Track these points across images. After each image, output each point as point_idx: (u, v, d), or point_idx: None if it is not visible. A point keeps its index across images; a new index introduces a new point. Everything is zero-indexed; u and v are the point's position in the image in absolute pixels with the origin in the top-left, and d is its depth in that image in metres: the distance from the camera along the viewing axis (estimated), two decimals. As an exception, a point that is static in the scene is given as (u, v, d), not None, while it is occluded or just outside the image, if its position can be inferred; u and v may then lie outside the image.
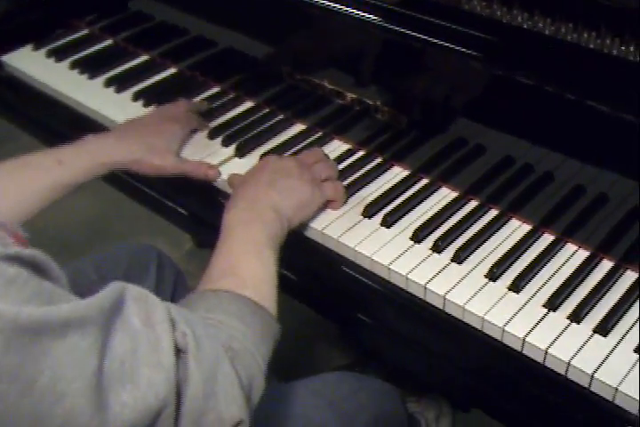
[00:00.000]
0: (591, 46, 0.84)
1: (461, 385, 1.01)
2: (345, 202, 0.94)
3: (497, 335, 0.78)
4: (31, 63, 1.28)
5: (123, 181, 1.09)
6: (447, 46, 0.88)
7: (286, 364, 1.60)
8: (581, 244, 0.86)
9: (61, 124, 1.22)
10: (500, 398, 0.88)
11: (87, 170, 0.93)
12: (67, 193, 0.93)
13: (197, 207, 1.10)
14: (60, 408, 0.47)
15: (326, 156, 0.98)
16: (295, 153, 1.02)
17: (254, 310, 0.70)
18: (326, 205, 0.92)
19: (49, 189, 0.90)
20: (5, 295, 0.47)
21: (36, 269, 0.51)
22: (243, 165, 0.99)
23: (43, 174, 0.90)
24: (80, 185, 0.94)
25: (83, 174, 0.93)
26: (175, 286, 1.18)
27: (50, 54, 1.29)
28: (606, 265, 0.84)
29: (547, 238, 0.88)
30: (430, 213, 0.91)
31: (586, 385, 0.74)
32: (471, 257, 0.86)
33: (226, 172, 0.99)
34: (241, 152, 1.04)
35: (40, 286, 0.50)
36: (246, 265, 0.76)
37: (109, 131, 1.02)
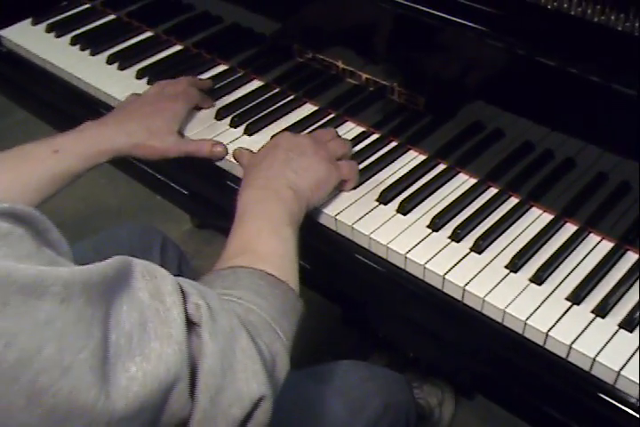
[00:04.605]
0: (619, 28, 0.80)
1: (469, 372, 0.99)
2: (358, 186, 0.91)
3: (518, 329, 0.76)
4: (30, 38, 1.24)
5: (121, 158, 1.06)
6: (466, 24, 0.84)
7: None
8: (605, 235, 0.84)
9: (61, 100, 1.19)
10: (508, 386, 0.86)
11: (85, 159, 0.89)
12: (67, 183, 0.89)
13: (199, 188, 1.07)
14: (64, 382, 0.43)
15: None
16: (306, 135, 0.98)
17: (273, 284, 0.67)
18: (339, 185, 0.89)
19: (46, 180, 0.86)
20: None
21: (33, 228, 0.48)
22: (252, 146, 0.95)
23: (38, 165, 0.86)
24: (81, 174, 0.90)
25: (81, 164, 0.89)
26: (179, 268, 1.15)
27: (50, 29, 1.25)
28: (631, 257, 0.81)
29: (569, 228, 0.85)
30: (448, 200, 0.88)
31: (611, 382, 0.71)
32: (491, 247, 0.83)
33: (234, 153, 0.96)
34: (250, 133, 1.00)
35: (38, 248, 0.46)
36: (264, 241, 0.74)
37: (107, 115, 0.98)
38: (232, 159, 0.95)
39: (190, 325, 0.53)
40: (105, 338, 0.46)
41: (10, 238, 0.44)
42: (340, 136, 0.95)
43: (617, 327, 0.74)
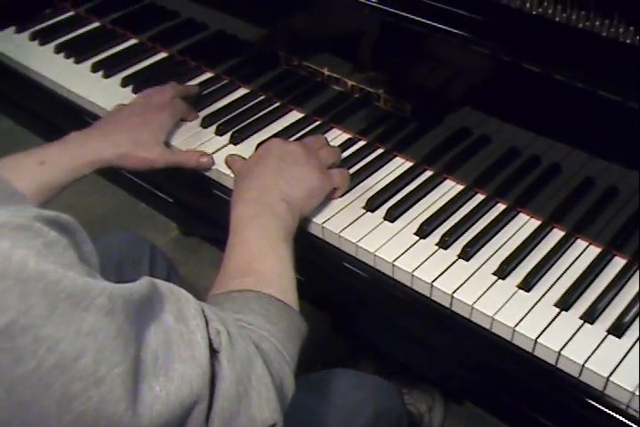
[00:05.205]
0: (603, 34, 0.80)
1: (458, 379, 0.98)
2: (345, 193, 0.90)
3: (507, 336, 0.75)
4: (14, 46, 1.23)
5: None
6: (451, 31, 0.84)
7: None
8: (592, 240, 0.84)
9: (46, 109, 1.18)
10: (496, 393, 0.86)
11: (72, 170, 0.89)
12: (54, 194, 0.89)
13: (186, 196, 1.07)
14: (95, 392, 0.43)
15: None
16: (293, 143, 0.98)
17: (280, 309, 0.68)
18: (329, 193, 0.88)
19: (32, 192, 0.85)
20: (46, 255, 0.43)
21: (73, 239, 0.48)
22: (237, 154, 0.95)
23: (24, 177, 0.85)
24: (67, 186, 0.90)
25: (67, 175, 0.89)
26: (169, 278, 1.14)
27: (34, 37, 1.24)
28: (619, 262, 0.81)
29: (556, 234, 0.85)
30: (435, 207, 0.88)
31: (600, 388, 0.71)
32: (479, 253, 0.82)
33: (220, 161, 0.95)
34: (236, 141, 0.99)
35: (79, 260, 0.47)
36: (264, 261, 0.74)
37: (93, 125, 0.97)
38: (220, 169, 0.94)
39: (211, 350, 0.54)
40: (137, 356, 0.47)
41: (57, 247, 0.45)
42: (329, 143, 0.95)
43: (605, 333, 0.74)
